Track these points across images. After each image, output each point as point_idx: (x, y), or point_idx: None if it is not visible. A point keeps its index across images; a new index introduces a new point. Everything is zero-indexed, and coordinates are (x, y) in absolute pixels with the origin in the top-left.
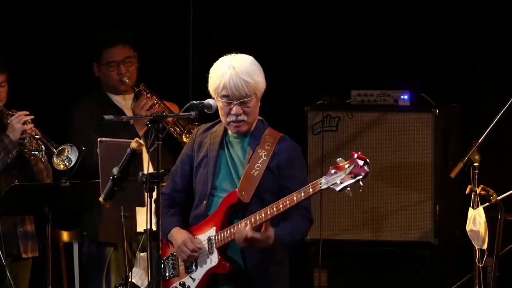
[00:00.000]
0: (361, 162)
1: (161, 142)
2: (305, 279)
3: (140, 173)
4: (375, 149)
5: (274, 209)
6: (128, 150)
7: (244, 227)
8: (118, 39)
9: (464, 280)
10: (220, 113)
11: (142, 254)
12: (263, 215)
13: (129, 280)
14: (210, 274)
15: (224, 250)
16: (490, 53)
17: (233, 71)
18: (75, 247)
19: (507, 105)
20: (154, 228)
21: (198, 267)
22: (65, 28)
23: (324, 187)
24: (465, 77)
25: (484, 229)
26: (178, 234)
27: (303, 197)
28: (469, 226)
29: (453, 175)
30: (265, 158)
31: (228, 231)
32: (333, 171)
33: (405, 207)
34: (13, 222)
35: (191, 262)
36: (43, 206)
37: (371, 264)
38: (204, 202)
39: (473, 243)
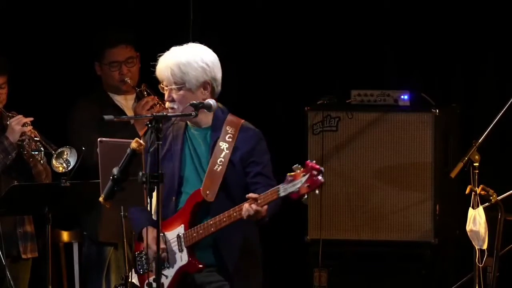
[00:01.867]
0: (315, 172)
1: (161, 142)
2: (305, 279)
3: (140, 173)
4: (375, 149)
5: (237, 210)
6: (128, 150)
7: (249, 206)
8: (121, 39)
9: (464, 280)
10: None
11: None
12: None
13: (129, 280)
14: (182, 272)
15: (194, 248)
16: (490, 53)
17: (165, 58)
18: (75, 247)
19: (507, 105)
20: None
21: (170, 264)
22: (65, 28)
23: (282, 194)
24: (465, 77)
25: (484, 229)
26: (146, 234)
27: (262, 203)
28: (469, 226)
29: (453, 175)
30: (227, 151)
31: (196, 231)
32: (290, 178)
33: (405, 207)
34: (13, 223)
35: (164, 259)
36: (43, 206)
37: (371, 264)
38: (174, 198)
39: (473, 243)
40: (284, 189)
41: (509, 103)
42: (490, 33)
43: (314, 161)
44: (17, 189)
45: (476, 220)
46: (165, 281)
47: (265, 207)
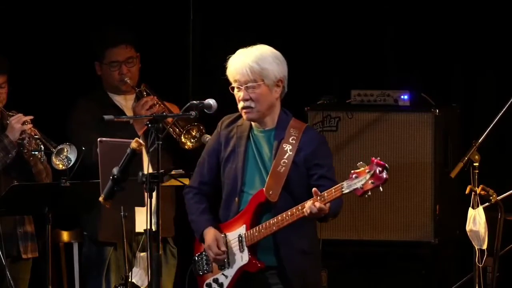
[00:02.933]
0: (380, 169)
1: (161, 142)
2: None
3: (140, 173)
4: (375, 149)
5: (299, 208)
6: (128, 150)
7: (312, 204)
8: (121, 39)
9: (464, 280)
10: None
11: (142, 254)
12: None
13: (129, 280)
14: (242, 272)
15: (255, 248)
16: (490, 52)
17: (241, 57)
18: (75, 247)
19: (507, 105)
20: (154, 228)
21: (230, 264)
22: (65, 28)
23: (346, 191)
24: (465, 77)
25: (484, 229)
26: (207, 235)
27: (326, 200)
28: (469, 226)
29: (453, 175)
30: (291, 153)
31: (258, 230)
32: (354, 175)
33: (405, 207)
34: (13, 223)
35: (223, 260)
36: (43, 206)
37: (371, 264)
38: (236, 199)
39: (473, 243)
40: (348, 186)
41: (509, 103)
42: (490, 33)
43: (378, 158)
44: (17, 189)
45: (476, 220)
46: (225, 281)
47: (328, 204)
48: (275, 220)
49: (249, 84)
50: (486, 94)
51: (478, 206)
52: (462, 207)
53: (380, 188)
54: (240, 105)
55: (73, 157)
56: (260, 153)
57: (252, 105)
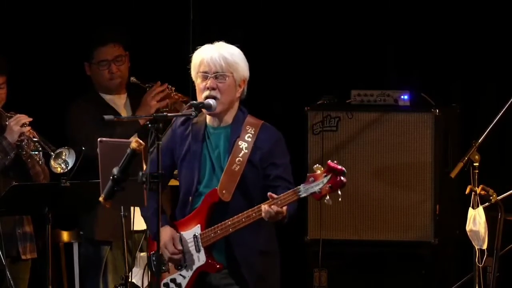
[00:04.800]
0: (337, 173)
1: (161, 142)
2: (305, 279)
3: (140, 173)
4: (375, 149)
5: (256, 211)
6: (128, 150)
7: (269, 207)
8: (109, 38)
9: (464, 280)
10: (197, 92)
11: (142, 254)
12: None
13: (129, 280)
14: (199, 272)
15: (210, 248)
16: (490, 52)
17: (214, 48)
18: (75, 247)
19: (507, 105)
20: None
21: (187, 265)
22: (63, 29)
23: (303, 195)
24: (465, 77)
25: (484, 229)
26: (163, 234)
27: (282, 203)
28: (469, 226)
29: (453, 175)
30: (246, 151)
31: (214, 231)
32: (311, 179)
33: (405, 207)
34: (12, 223)
35: (179, 260)
36: (43, 206)
37: (371, 264)
38: (190, 198)
39: (473, 243)
40: (305, 190)
41: (509, 103)
42: (490, 33)
43: (335, 161)
44: (17, 189)
45: (476, 220)
46: (183, 281)
47: (285, 207)
48: (231, 222)
49: (221, 73)
50: (486, 94)
51: (478, 206)
52: (462, 207)
53: (339, 192)
54: (205, 93)
55: (71, 161)
56: (215, 151)
57: (218, 95)
